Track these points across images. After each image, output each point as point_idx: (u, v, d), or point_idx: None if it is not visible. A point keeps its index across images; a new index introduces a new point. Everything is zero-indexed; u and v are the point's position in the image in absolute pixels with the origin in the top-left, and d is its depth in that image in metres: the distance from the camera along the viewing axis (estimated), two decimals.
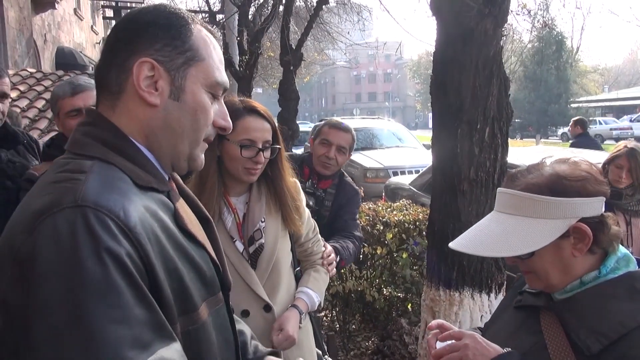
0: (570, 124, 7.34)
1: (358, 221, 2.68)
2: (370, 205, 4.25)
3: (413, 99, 58.25)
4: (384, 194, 6.61)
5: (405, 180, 6.61)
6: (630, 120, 27.84)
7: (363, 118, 13.41)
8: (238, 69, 10.35)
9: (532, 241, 1.05)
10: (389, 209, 4.15)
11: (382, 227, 3.78)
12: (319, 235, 2.00)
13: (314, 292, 1.85)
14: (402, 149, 10.12)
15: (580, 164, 1.10)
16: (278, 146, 1.72)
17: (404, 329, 3.39)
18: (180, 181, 1.00)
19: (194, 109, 0.88)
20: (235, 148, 1.65)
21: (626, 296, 1.03)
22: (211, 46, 0.91)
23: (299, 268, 1.93)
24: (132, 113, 0.85)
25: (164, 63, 0.85)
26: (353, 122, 11.67)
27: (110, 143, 0.83)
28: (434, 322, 1.23)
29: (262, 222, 1.72)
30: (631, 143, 2.78)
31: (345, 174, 2.73)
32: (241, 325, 1.15)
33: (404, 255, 3.66)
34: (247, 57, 10.11)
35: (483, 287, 2.50)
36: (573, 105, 30.75)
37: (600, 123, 29.13)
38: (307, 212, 1.89)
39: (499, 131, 2.47)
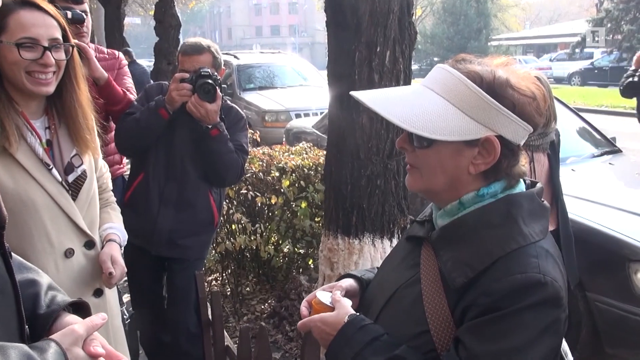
0: None
1: (247, 147, 2.70)
2: (265, 150, 4.18)
3: (323, 34, 58.05)
4: (284, 139, 6.57)
5: (308, 123, 6.62)
6: (550, 60, 30.02)
7: (261, 52, 13.11)
8: None
9: (440, 128, 1.02)
10: (286, 153, 4.11)
11: (277, 174, 3.76)
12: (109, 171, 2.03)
13: (122, 230, 1.90)
14: (307, 89, 10.09)
15: (538, 86, 1.07)
16: (71, 44, 1.63)
17: (303, 287, 3.45)
18: None
19: None
20: (12, 50, 1.51)
21: (499, 222, 1.03)
22: None
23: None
24: None
25: None
26: (250, 57, 11.41)
27: None
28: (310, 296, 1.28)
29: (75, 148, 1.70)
30: (534, 72, 2.93)
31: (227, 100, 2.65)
32: (34, 274, 1.09)
33: (303, 205, 3.68)
34: None
35: (385, 232, 2.57)
36: (493, 43, 32.32)
37: (521, 62, 31.11)
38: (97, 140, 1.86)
39: (401, 55, 2.48)
